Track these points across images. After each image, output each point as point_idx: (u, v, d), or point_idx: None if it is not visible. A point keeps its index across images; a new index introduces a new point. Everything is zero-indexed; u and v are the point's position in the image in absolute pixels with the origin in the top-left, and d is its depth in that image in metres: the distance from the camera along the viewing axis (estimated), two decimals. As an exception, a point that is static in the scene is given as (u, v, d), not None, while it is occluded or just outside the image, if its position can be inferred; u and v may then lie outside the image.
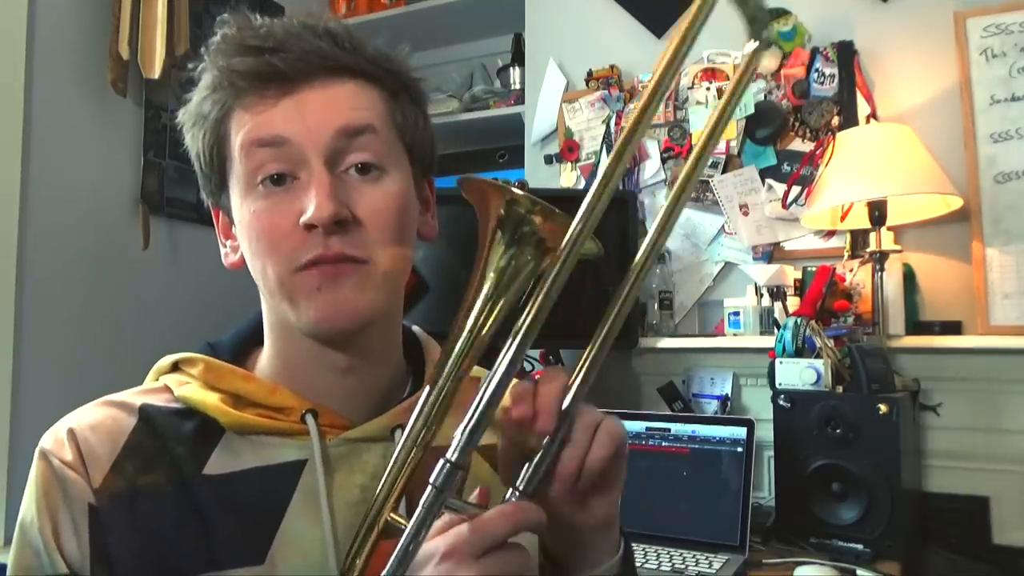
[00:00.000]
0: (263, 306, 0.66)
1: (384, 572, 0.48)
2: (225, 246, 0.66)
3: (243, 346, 0.68)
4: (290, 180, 0.58)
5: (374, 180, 0.60)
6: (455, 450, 0.47)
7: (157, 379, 0.67)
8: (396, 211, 0.60)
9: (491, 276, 0.51)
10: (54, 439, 0.61)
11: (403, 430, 0.60)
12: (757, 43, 0.49)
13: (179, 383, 0.64)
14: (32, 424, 1.76)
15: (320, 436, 0.61)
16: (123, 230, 2.05)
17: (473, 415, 0.48)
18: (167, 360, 0.67)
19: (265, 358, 0.66)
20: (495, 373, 0.49)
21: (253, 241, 0.60)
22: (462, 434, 0.48)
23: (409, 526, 0.48)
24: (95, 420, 0.61)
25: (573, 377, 0.51)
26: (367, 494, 0.61)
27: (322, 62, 0.59)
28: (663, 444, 1.64)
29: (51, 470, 0.59)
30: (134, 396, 0.64)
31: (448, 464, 0.47)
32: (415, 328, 0.74)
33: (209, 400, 0.62)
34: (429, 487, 0.47)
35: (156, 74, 2.01)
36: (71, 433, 0.60)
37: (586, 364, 0.51)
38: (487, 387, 0.48)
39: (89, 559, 0.57)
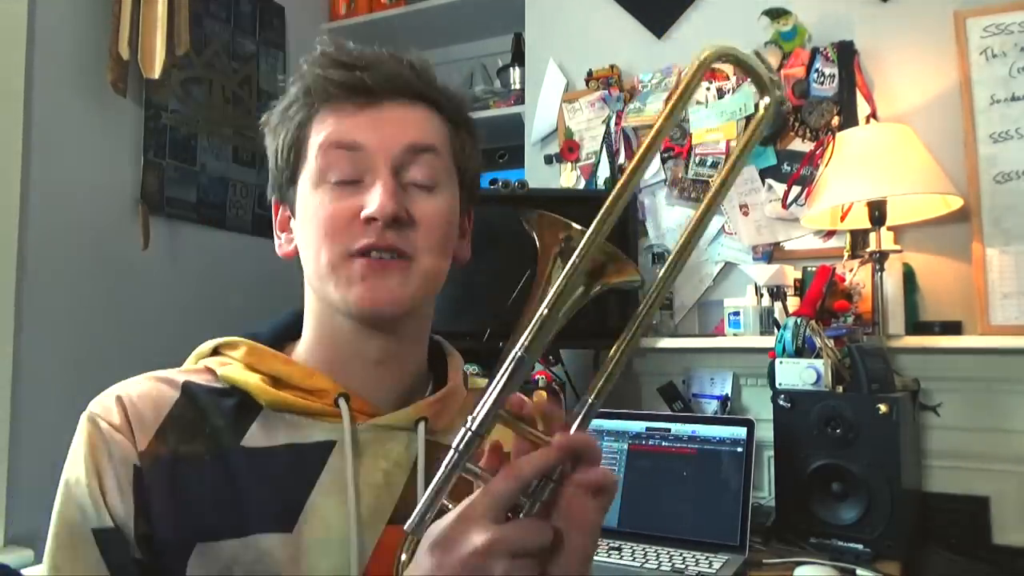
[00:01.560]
0: (307, 296, 0.72)
1: (407, 525, 0.51)
2: (280, 238, 0.74)
3: (280, 338, 0.74)
4: (357, 183, 0.66)
5: (429, 192, 0.68)
6: (477, 420, 0.51)
7: (197, 362, 0.73)
8: (446, 221, 0.69)
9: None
10: (102, 404, 0.65)
11: (427, 422, 0.69)
12: (768, 100, 0.53)
13: (221, 364, 0.70)
14: (32, 423, 1.76)
15: (351, 419, 0.67)
16: (123, 230, 2.05)
17: (496, 386, 0.51)
18: (208, 345, 0.73)
19: (303, 347, 0.73)
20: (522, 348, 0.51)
21: (315, 227, 0.67)
22: (484, 405, 0.51)
23: (431, 485, 0.51)
24: (142, 390, 0.67)
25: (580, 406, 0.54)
26: (389, 479, 0.67)
27: (403, 85, 0.68)
28: (663, 444, 1.64)
29: (99, 432, 0.64)
30: (177, 374, 0.70)
31: (469, 432, 0.51)
32: (437, 336, 0.80)
33: (251, 380, 0.68)
34: (451, 450, 0.51)
35: (156, 74, 2.02)
36: (119, 400, 0.65)
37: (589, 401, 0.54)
38: (510, 365, 0.51)
39: (133, 515, 0.62)
